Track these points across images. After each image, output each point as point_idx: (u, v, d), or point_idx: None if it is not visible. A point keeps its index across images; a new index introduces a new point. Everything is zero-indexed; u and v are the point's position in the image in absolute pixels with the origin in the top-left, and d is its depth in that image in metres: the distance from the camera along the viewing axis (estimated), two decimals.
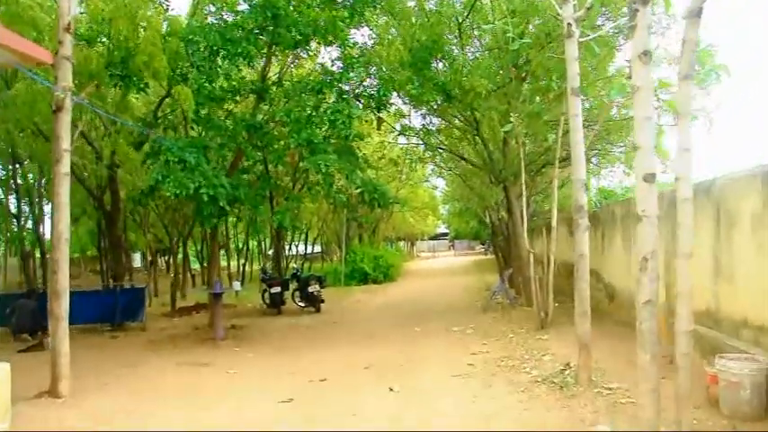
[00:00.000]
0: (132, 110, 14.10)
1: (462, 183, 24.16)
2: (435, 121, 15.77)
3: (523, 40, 9.82)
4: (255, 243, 35.88)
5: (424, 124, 15.58)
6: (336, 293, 21.57)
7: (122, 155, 11.87)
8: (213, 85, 10.74)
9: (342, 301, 19.76)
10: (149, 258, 27.11)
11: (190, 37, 10.32)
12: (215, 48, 10.23)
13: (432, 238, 76.83)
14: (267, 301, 17.15)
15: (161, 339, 13.03)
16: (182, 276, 25.73)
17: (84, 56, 9.27)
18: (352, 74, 11.16)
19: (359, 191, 11.10)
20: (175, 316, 17.29)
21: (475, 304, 16.27)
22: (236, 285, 13.65)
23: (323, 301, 16.83)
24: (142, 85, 10.30)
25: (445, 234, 79.57)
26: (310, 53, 13.95)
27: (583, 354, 6.90)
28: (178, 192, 9.53)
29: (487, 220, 25.59)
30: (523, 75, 11.49)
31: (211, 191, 9.89)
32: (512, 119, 10.34)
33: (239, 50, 10.28)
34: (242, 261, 34.22)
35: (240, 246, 34.91)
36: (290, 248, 35.49)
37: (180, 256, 26.74)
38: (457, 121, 15.31)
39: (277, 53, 13.12)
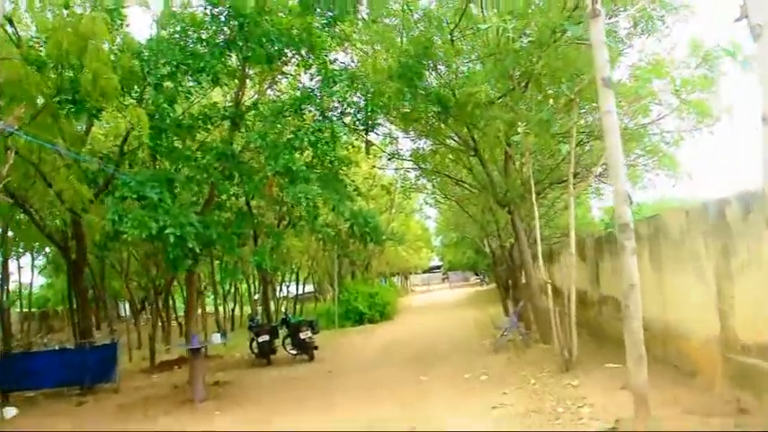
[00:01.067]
0: (94, 144, 12.73)
1: (458, 211, 22.93)
2: (428, 143, 14.51)
3: (525, 39, 8.63)
4: (245, 286, 34.07)
5: (416, 148, 14.32)
6: (331, 337, 20.02)
7: (79, 195, 10.43)
8: (174, 107, 9.42)
9: (337, 345, 18.22)
10: (136, 307, 25.44)
11: (145, 53, 8.99)
12: (175, 63, 8.89)
13: (425, 272, 75.31)
14: (255, 351, 15.65)
15: (133, 403, 11.46)
16: (167, 325, 24.09)
17: (22, 75, 7.96)
18: (335, 88, 9.82)
19: (348, 224, 9.71)
20: (155, 372, 15.72)
21: (483, 343, 14.79)
22: (216, 338, 11.82)
23: (316, 348, 15.31)
24: (94, 111, 8.94)
25: (438, 267, 78.15)
26: (289, 77, 12.67)
27: (640, 409, 5.48)
28: (138, 232, 8.12)
29: (487, 249, 24.25)
30: (525, 81, 10.24)
31: (178, 231, 8.47)
32: (519, 129, 9.06)
33: (202, 65, 8.94)
34: (231, 306, 32.57)
35: (228, 288, 33.14)
36: (280, 289, 33.92)
37: (165, 303, 25.19)
38: (451, 142, 14.04)
39: (251, 74, 11.87)
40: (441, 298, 42.94)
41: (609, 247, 11.60)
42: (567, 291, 9.94)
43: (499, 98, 10.50)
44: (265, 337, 15.23)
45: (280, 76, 12.73)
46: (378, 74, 10.73)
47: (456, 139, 13.56)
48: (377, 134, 12.79)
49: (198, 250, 8.93)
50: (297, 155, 9.33)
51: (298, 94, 10.64)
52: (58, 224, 15.41)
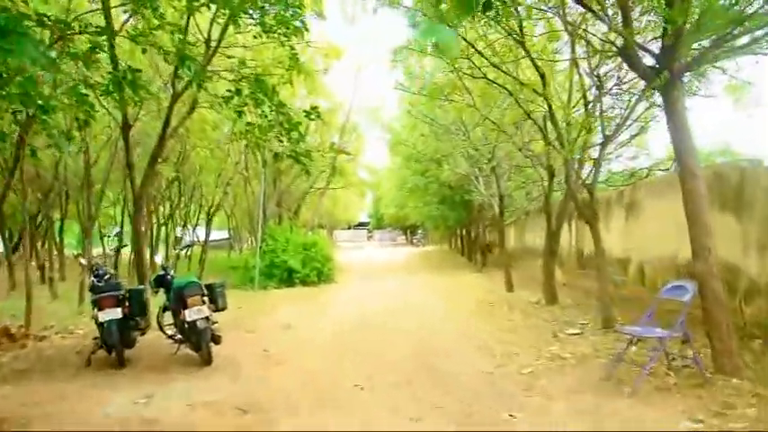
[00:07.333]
0: None
1: (448, 134, 15.87)
2: None
3: None
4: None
5: None
6: (248, 306, 12.49)
7: None
8: None
9: (257, 323, 10.59)
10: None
11: None
12: None
13: (350, 228, 68.96)
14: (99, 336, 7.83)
15: None
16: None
17: None
18: None
19: None
20: None
21: (546, 350, 7.71)
22: None
23: (217, 341, 7.68)
24: None
25: (365, 223, 72.13)
26: None
27: None
28: None
29: (482, 190, 17.00)
30: None
31: None
32: None
33: None
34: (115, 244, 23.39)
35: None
36: (182, 232, 25.71)
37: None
38: None
39: None
40: (379, 258, 35.60)
41: None
42: None
43: None
44: (115, 312, 7.50)
45: None
46: None
47: None
48: None
49: None
50: None
51: None
52: None
